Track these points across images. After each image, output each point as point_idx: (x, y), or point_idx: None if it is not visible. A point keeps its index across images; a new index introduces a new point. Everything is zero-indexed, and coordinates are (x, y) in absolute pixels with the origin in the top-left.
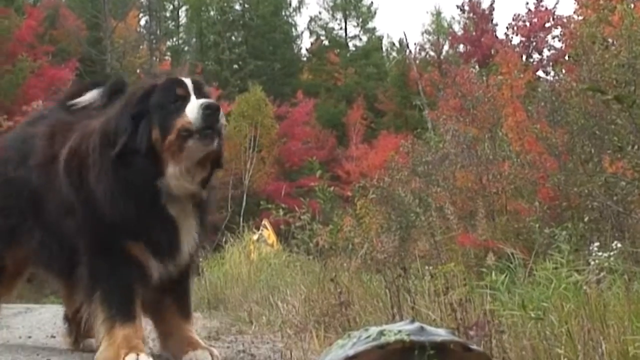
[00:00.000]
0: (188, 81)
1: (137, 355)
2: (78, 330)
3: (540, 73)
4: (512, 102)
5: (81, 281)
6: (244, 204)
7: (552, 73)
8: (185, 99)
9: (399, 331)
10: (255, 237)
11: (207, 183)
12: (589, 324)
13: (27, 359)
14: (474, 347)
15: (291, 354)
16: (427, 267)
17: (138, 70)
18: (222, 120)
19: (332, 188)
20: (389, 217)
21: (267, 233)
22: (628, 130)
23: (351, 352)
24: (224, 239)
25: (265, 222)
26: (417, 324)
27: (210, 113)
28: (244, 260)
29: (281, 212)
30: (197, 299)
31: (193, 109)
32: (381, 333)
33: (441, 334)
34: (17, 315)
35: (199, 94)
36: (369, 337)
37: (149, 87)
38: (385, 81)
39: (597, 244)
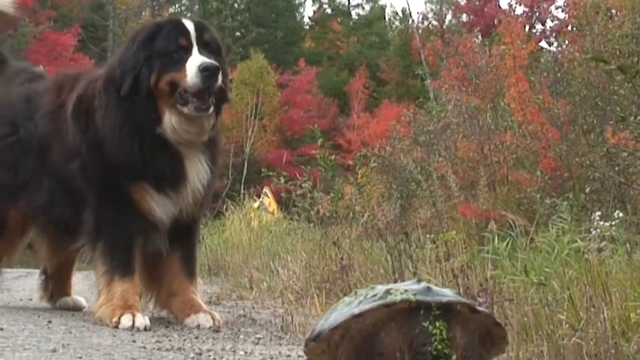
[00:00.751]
0: (191, 27)
1: (133, 316)
2: (55, 288)
3: (543, 44)
4: (515, 73)
5: (86, 227)
6: (244, 171)
7: (555, 44)
8: (187, 51)
9: (406, 290)
10: (256, 204)
11: (212, 128)
12: (591, 291)
13: (28, 320)
14: (481, 308)
15: (292, 319)
16: (428, 236)
17: None
18: (219, 80)
19: (333, 156)
20: (390, 186)
21: (268, 201)
22: (631, 101)
23: (357, 310)
24: (224, 207)
25: (266, 189)
26: (424, 284)
27: (208, 75)
28: (245, 228)
29: (282, 180)
30: (198, 265)
31: (192, 68)
32: (388, 292)
33: (448, 294)
34: (18, 278)
35: (201, 42)
36: (375, 295)
37: (153, 28)
38: (388, 50)
39: (598, 213)
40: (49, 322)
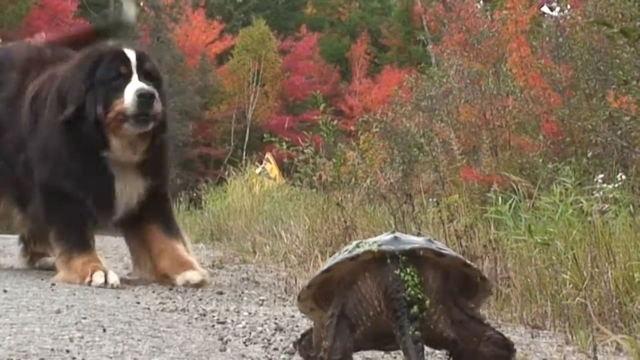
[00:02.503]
0: (132, 56)
1: (105, 273)
2: (33, 250)
3: (545, 9)
4: (517, 38)
5: (36, 214)
6: (246, 138)
7: (557, 9)
8: (127, 78)
9: (374, 242)
10: (257, 170)
11: (151, 150)
12: (595, 251)
13: (32, 282)
14: (447, 251)
15: (296, 281)
16: (431, 200)
17: (141, 3)
18: (157, 106)
19: (335, 122)
20: (392, 152)
21: (270, 167)
22: (633, 65)
23: (325, 266)
24: (226, 173)
25: (268, 155)
26: (393, 235)
27: (144, 101)
28: (247, 194)
29: (284, 146)
30: (200, 231)
31: (129, 94)
32: (357, 245)
33: (414, 241)
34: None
35: (141, 71)
36: (346, 250)
37: (96, 57)
38: (390, 16)
39: (601, 176)
40: (53, 284)
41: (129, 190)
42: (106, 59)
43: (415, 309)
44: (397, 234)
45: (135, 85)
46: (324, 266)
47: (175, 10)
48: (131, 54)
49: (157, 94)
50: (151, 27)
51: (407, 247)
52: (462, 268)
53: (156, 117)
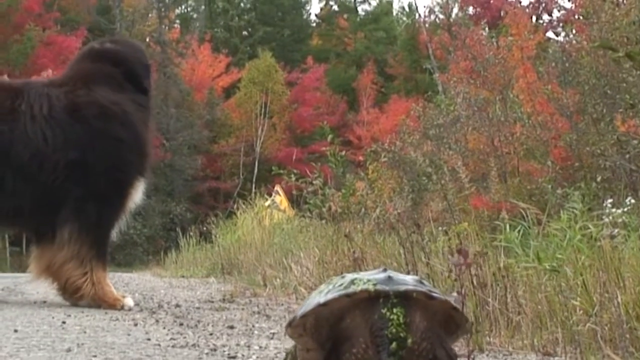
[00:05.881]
0: None
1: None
2: None
3: (550, 34)
4: (523, 64)
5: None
6: (255, 170)
7: (563, 34)
8: None
9: (368, 280)
10: (267, 203)
11: None
12: (604, 276)
13: (42, 321)
14: (437, 295)
15: None
16: (440, 228)
17: (147, 39)
18: None
19: (343, 153)
20: (401, 181)
21: (280, 199)
22: (639, 88)
23: (322, 300)
24: (236, 206)
25: (277, 187)
26: (386, 274)
27: None
28: (257, 226)
29: (293, 178)
30: (211, 265)
31: None
32: (352, 282)
33: (407, 282)
34: (31, 282)
35: None
36: (341, 285)
37: None
38: (395, 45)
39: (610, 200)
40: (63, 322)
41: None
42: None
43: (394, 345)
44: (390, 272)
45: None
46: (318, 297)
47: (181, 45)
48: None
49: None
50: (158, 63)
51: (402, 288)
52: (450, 311)
53: None
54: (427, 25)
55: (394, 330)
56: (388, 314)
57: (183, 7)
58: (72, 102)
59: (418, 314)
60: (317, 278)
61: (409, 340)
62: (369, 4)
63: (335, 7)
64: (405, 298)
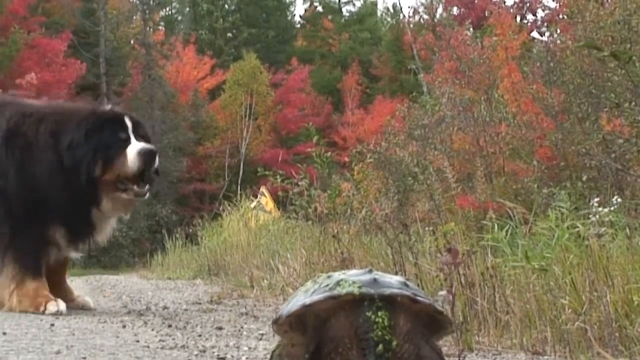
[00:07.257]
0: (129, 122)
1: (57, 303)
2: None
3: (534, 34)
4: (508, 64)
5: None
6: (241, 172)
7: (547, 33)
8: (126, 141)
9: (354, 282)
10: (253, 204)
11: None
12: (592, 275)
13: (31, 324)
14: (421, 298)
15: None
16: (427, 228)
17: (132, 41)
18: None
19: (329, 154)
20: (387, 182)
21: (265, 200)
22: (624, 87)
23: (307, 301)
24: (221, 208)
25: (263, 189)
26: (371, 275)
27: (147, 160)
28: (243, 228)
29: (279, 179)
30: (197, 267)
31: (132, 152)
32: (338, 283)
33: (392, 285)
34: None
35: (137, 134)
36: (327, 285)
37: (97, 123)
38: (380, 46)
39: (597, 199)
40: (52, 325)
41: (105, 229)
42: (106, 126)
43: (380, 347)
44: (375, 273)
45: (136, 145)
46: (304, 297)
47: (166, 47)
48: (128, 121)
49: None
50: (142, 65)
51: (387, 292)
52: (434, 314)
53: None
54: (411, 25)
55: (379, 333)
56: (373, 317)
57: (167, 9)
58: None
59: (402, 317)
60: (304, 279)
61: (394, 343)
62: (354, 4)
63: (320, 8)
64: (389, 302)
